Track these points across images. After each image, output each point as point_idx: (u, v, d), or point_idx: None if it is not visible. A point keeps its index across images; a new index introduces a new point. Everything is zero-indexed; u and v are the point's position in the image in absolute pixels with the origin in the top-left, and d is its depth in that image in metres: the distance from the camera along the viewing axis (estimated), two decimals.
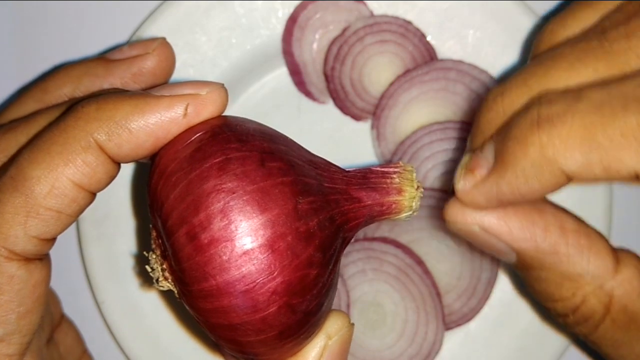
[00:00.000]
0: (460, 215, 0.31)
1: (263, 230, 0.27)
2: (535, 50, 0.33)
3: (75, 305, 0.42)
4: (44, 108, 0.33)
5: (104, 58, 0.36)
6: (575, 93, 0.28)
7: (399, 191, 0.31)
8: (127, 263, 0.44)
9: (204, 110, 0.29)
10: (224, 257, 0.27)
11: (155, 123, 0.29)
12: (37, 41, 0.46)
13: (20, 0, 0.46)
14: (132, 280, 0.44)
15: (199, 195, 0.27)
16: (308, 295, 0.28)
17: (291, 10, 0.44)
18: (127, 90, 0.32)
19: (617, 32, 0.29)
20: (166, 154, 0.29)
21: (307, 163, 0.30)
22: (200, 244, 0.27)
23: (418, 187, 0.31)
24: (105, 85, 0.35)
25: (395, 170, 0.31)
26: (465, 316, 0.44)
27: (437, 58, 0.44)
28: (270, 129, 0.31)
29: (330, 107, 0.45)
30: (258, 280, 0.27)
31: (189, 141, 0.29)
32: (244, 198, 0.27)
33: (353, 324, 0.32)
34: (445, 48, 0.44)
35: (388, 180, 0.31)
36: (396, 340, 0.44)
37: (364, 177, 0.31)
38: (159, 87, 0.30)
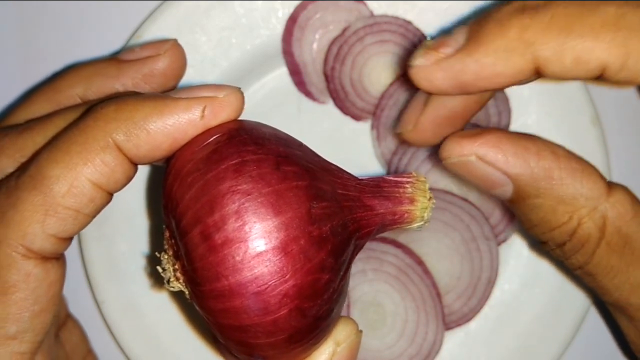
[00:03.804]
0: (457, 148, 0.31)
1: (277, 232, 0.27)
2: None
3: (75, 305, 0.42)
4: (61, 109, 0.33)
5: (116, 58, 0.36)
6: None
7: (412, 201, 0.31)
8: (127, 263, 0.44)
9: (221, 112, 0.30)
10: (237, 258, 0.27)
11: (173, 124, 0.29)
12: (36, 42, 0.46)
13: (19, 0, 0.46)
14: (132, 280, 0.44)
15: (215, 195, 0.27)
16: (319, 300, 0.28)
17: (291, 10, 0.44)
18: (145, 93, 0.32)
19: None
20: (182, 155, 0.29)
21: (321, 169, 0.30)
22: (214, 244, 0.27)
23: (430, 197, 0.31)
24: (117, 85, 0.35)
25: (408, 180, 0.31)
26: (465, 316, 0.44)
27: None
28: (285, 134, 0.31)
29: (330, 107, 0.45)
30: (270, 283, 0.27)
31: (205, 143, 0.29)
32: (259, 200, 0.27)
33: (361, 331, 0.32)
34: None
35: (401, 190, 0.31)
36: (396, 340, 0.44)
37: (377, 185, 0.31)
38: (176, 90, 0.31)
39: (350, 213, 0.30)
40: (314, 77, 0.45)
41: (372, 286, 0.44)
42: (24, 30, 0.46)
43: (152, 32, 0.43)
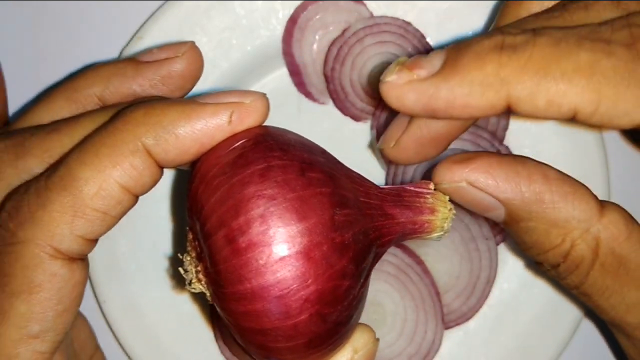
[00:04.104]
0: (448, 174, 0.31)
1: (300, 237, 0.27)
2: (501, 13, 0.35)
3: None
4: (88, 111, 0.34)
5: (134, 59, 0.36)
6: (537, 29, 0.29)
7: (432, 211, 0.31)
8: (128, 263, 0.44)
9: (248, 118, 0.30)
10: (261, 262, 0.27)
11: (201, 129, 0.29)
12: (36, 42, 0.46)
13: (20, 0, 0.46)
14: (133, 280, 0.44)
15: (240, 199, 0.27)
16: (339, 306, 0.28)
17: (291, 11, 0.44)
18: (172, 98, 0.33)
19: (577, 5, 0.31)
20: (208, 159, 0.30)
21: (343, 176, 0.30)
22: (238, 247, 0.27)
23: (451, 208, 0.31)
24: (134, 86, 0.35)
25: (429, 190, 0.32)
26: (464, 315, 0.44)
27: None
28: (309, 141, 0.31)
29: (330, 108, 0.45)
30: (292, 287, 0.27)
31: (231, 147, 0.29)
32: (284, 205, 0.27)
33: (378, 339, 0.32)
34: None
35: (422, 200, 0.31)
36: (396, 339, 0.44)
37: (398, 194, 0.31)
38: (202, 95, 0.31)
39: (371, 221, 0.30)
40: (314, 77, 0.45)
41: (372, 285, 0.44)
42: (25, 31, 0.46)
43: (153, 33, 0.43)
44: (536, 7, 0.33)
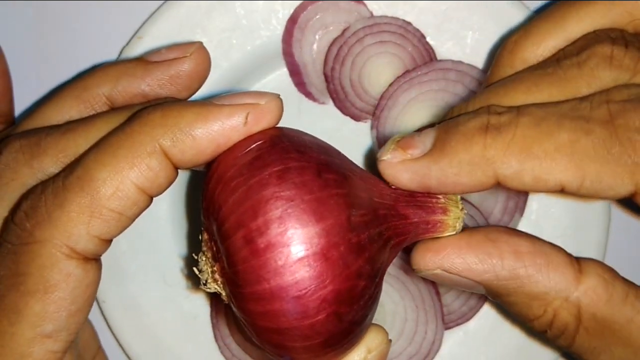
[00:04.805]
0: (422, 263, 0.32)
1: (318, 239, 0.28)
2: (496, 62, 0.36)
3: None
4: (103, 112, 0.34)
5: (143, 59, 0.36)
6: (520, 108, 0.31)
7: (445, 211, 0.32)
8: (128, 263, 0.44)
9: (263, 119, 0.30)
10: (279, 262, 0.27)
11: (218, 130, 0.30)
12: (36, 43, 0.46)
13: (20, 0, 0.46)
14: (132, 279, 0.44)
15: (258, 201, 0.28)
16: (355, 306, 0.29)
17: (291, 11, 0.44)
18: (187, 100, 0.33)
19: (570, 62, 0.32)
20: (225, 160, 0.30)
21: (358, 177, 0.30)
22: (256, 247, 0.27)
23: (462, 208, 0.32)
24: (143, 85, 0.35)
25: None
26: (465, 315, 0.44)
27: (437, 59, 0.44)
28: (323, 142, 0.32)
29: (330, 108, 0.45)
30: (310, 287, 0.27)
31: (248, 149, 0.30)
32: (301, 207, 0.28)
33: (390, 340, 0.33)
34: (444, 49, 0.44)
35: (434, 200, 0.32)
36: (396, 339, 0.44)
37: (411, 195, 0.32)
38: (219, 97, 0.31)
39: (385, 221, 0.30)
40: (314, 77, 0.45)
41: None
42: (24, 31, 0.46)
43: (153, 33, 0.43)
44: (531, 58, 0.34)
